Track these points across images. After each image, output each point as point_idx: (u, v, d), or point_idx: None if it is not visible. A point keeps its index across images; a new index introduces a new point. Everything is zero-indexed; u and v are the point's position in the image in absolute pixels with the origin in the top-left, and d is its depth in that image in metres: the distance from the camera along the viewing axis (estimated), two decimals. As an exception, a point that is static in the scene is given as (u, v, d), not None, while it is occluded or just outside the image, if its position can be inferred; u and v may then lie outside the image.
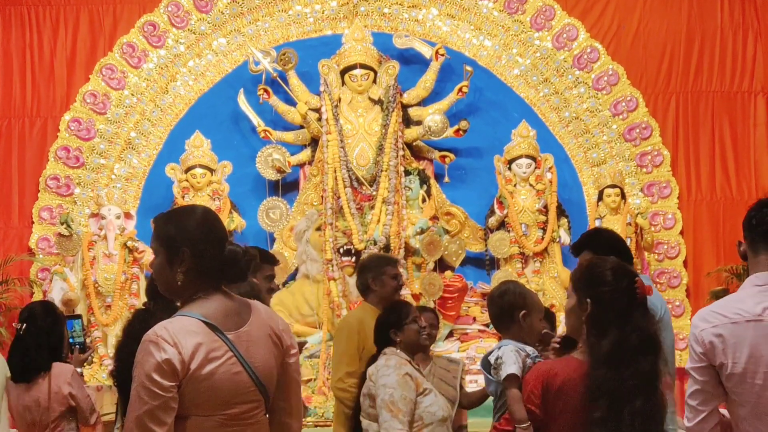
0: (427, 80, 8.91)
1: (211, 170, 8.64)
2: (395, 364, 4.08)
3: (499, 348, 3.27)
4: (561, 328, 5.10)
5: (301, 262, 8.50)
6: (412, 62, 9.03)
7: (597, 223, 8.51)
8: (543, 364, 2.86)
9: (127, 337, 4.13)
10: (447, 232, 8.67)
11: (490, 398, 3.82)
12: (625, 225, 8.48)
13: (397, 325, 4.25)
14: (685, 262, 9.01)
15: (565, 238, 8.71)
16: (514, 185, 8.72)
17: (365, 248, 8.28)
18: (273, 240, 8.79)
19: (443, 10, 9.21)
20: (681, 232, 9.05)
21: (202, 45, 9.15)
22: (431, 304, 7.81)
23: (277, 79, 8.87)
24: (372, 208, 8.47)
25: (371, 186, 8.52)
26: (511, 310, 3.42)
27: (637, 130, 9.09)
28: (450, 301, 8.33)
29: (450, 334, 8.34)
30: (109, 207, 8.40)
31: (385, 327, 4.28)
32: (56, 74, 9.16)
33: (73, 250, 8.36)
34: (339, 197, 8.46)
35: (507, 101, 9.16)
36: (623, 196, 8.70)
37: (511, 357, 3.16)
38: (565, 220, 8.78)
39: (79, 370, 4.84)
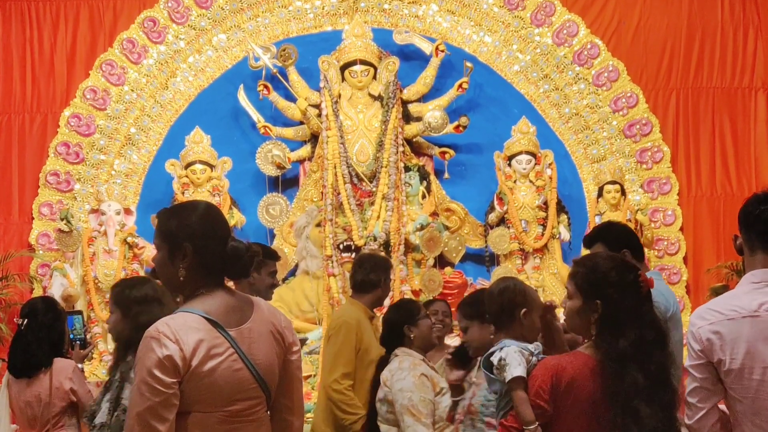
0: (427, 76, 8.90)
1: (211, 166, 8.64)
2: (409, 366, 4.05)
3: (501, 349, 3.24)
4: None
5: (300, 258, 8.50)
6: (412, 58, 9.01)
7: (597, 220, 8.51)
8: (550, 360, 2.85)
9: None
10: (447, 228, 8.67)
11: None
12: (625, 221, 8.47)
13: (411, 320, 4.22)
14: (685, 259, 9.01)
15: (565, 235, 8.72)
16: (514, 181, 8.72)
17: (365, 244, 8.29)
18: (273, 236, 8.79)
19: (443, 6, 9.20)
20: (681, 229, 9.05)
21: (202, 41, 9.14)
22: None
23: (277, 75, 8.86)
24: (372, 204, 8.47)
25: (371, 182, 8.52)
26: (512, 308, 3.38)
27: (638, 127, 9.09)
28: (450, 298, 8.30)
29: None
30: (109, 203, 8.39)
31: (397, 324, 4.24)
32: (56, 70, 9.15)
33: (73, 246, 8.37)
34: (339, 193, 8.45)
35: (507, 97, 9.15)
36: (623, 192, 8.70)
37: (516, 358, 3.13)
38: (565, 216, 8.78)
39: (80, 365, 4.84)
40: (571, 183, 9.06)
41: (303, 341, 7.88)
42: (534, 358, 3.18)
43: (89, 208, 8.63)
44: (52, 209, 8.74)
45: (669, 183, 9.06)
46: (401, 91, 8.81)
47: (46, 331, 4.71)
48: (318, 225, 8.49)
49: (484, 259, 8.86)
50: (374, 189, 8.49)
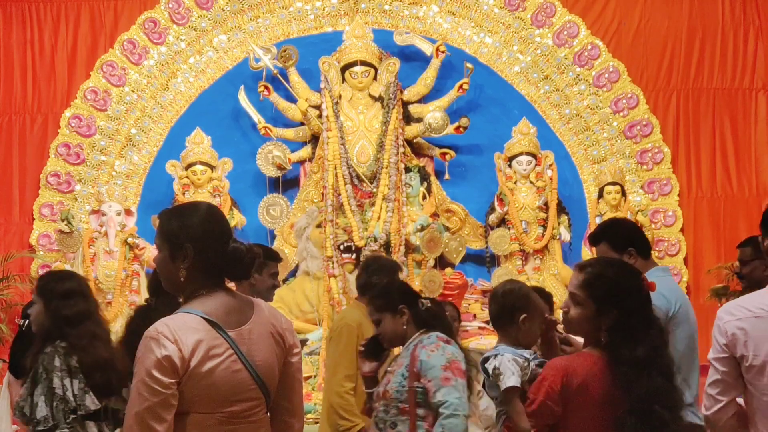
0: (428, 77, 8.90)
1: (212, 167, 8.64)
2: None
3: (496, 357, 3.22)
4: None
5: (301, 259, 8.50)
6: (412, 59, 9.02)
7: (597, 221, 8.50)
8: (560, 361, 2.84)
9: (128, 334, 4.15)
10: (447, 229, 8.67)
11: None
12: (625, 222, 8.48)
13: None
14: (685, 260, 9.02)
15: (566, 236, 8.72)
16: (515, 182, 8.72)
17: (365, 245, 8.29)
18: (273, 237, 8.79)
19: (444, 7, 9.20)
20: (681, 230, 9.05)
21: (202, 42, 9.15)
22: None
23: (278, 76, 8.86)
24: (372, 205, 8.47)
25: (371, 183, 8.52)
26: (512, 311, 3.36)
27: (638, 127, 9.09)
28: (450, 298, 8.33)
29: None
30: (109, 204, 8.40)
31: None
32: (57, 71, 9.16)
33: (74, 247, 8.37)
34: (339, 194, 8.46)
35: (507, 98, 9.16)
36: (624, 193, 8.70)
37: (509, 368, 3.11)
38: (566, 217, 8.79)
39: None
40: (572, 184, 9.07)
41: (303, 342, 7.89)
42: (531, 365, 3.17)
43: (90, 209, 8.64)
44: (53, 210, 8.74)
45: (669, 184, 9.06)
46: (402, 92, 8.82)
47: (46, 332, 4.70)
48: (318, 226, 8.49)
49: (484, 260, 8.87)
50: (375, 190, 8.49)
